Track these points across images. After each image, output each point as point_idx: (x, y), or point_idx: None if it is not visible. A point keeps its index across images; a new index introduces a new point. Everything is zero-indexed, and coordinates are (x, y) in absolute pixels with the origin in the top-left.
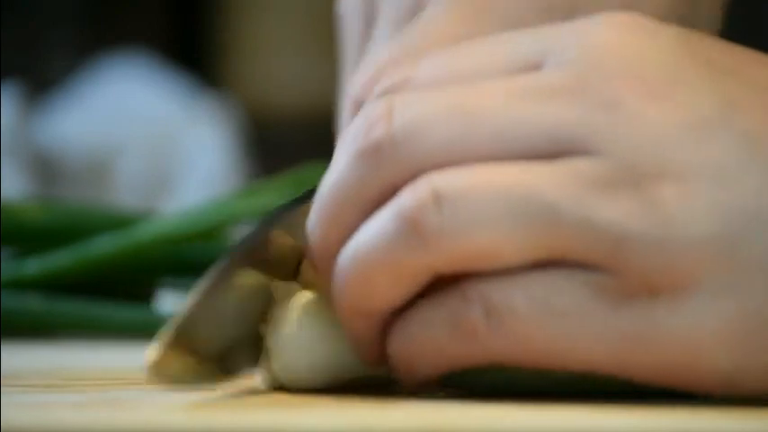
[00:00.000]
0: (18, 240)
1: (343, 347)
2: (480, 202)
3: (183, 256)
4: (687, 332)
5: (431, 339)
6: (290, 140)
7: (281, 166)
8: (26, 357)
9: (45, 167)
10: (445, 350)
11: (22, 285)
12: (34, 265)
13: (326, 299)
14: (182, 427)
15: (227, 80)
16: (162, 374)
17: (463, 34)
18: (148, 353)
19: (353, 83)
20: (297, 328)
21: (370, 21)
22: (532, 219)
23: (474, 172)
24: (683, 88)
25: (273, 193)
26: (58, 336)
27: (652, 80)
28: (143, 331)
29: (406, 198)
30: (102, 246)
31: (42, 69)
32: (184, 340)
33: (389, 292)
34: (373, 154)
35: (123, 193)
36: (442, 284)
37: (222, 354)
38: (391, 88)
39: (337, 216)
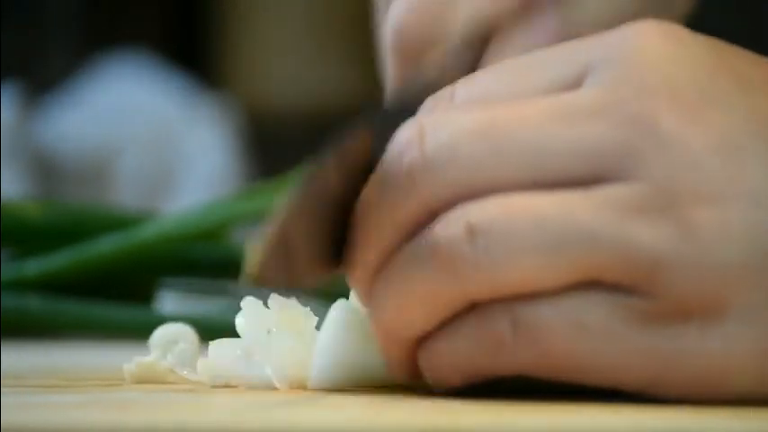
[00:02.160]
0: (18, 240)
1: (374, 358)
2: (515, 233)
3: (183, 257)
4: (717, 355)
5: (459, 351)
6: (289, 140)
7: (280, 166)
8: (26, 357)
9: (45, 167)
10: (472, 362)
11: (22, 285)
12: (34, 266)
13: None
14: (181, 428)
15: (227, 80)
16: (264, 278)
17: None
18: (251, 258)
19: (392, 13)
20: (332, 337)
21: None
22: (569, 247)
23: (508, 202)
24: (717, 108)
25: (274, 194)
26: (58, 336)
27: (687, 99)
28: (143, 331)
29: (440, 232)
30: (103, 246)
31: (42, 69)
32: (283, 244)
33: (424, 322)
34: (406, 178)
35: (123, 193)
36: (477, 306)
37: (317, 256)
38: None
39: (374, 240)
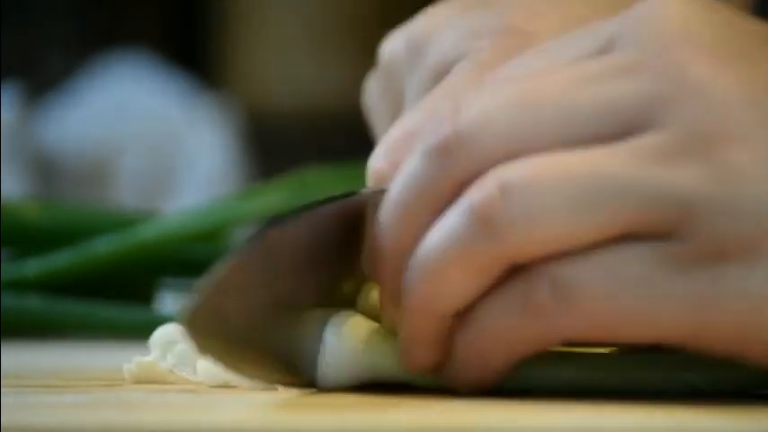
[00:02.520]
0: (18, 240)
1: (382, 357)
2: (546, 188)
3: (183, 257)
4: (758, 296)
5: (501, 327)
6: (289, 140)
7: (280, 166)
8: (26, 357)
9: (45, 167)
10: (516, 335)
11: (22, 285)
12: (34, 266)
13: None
14: (181, 427)
15: (227, 80)
16: (195, 329)
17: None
18: (183, 306)
19: (381, 146)
20: (339, 337)
21: (396, 106)
22: (601, 198)
23: (539, 161)
24: (742, 61)
25: (274, 195)
26: (58, 336)
27: (713, 52)
28: (143, 331)
29: (474, 194)
30: (102, 246)
31: (42, 69)
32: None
33: (463, 288)
34: (441, 152)
35: (123, 193)
36: (512, 274)
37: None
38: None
39: (408, 216)
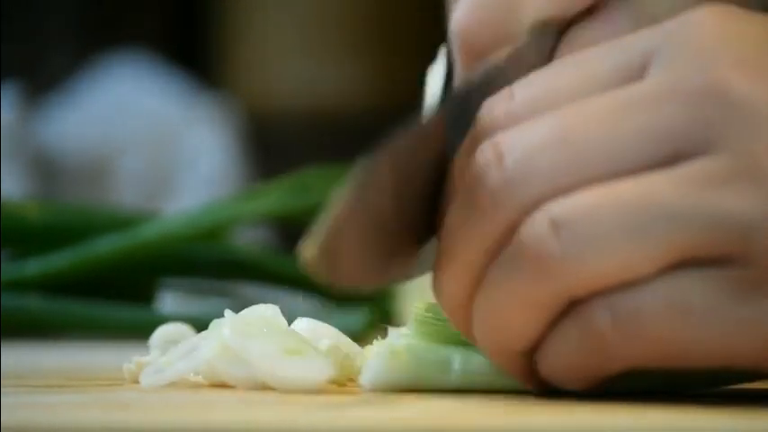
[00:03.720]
0: (18, 240)
1: (433, 363)
2: (599, 221)
3: (184, 257)
4: None
5: (567, 355)
6: (289, 140)
7: (280, 166)
8: (26, 357)
9: (45, 167)
10: (582, 363)
11: (22, 286)
12: (34, 266)
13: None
14: (181, 427)
15: (227, 80)
16: (318, 273)
17: None
18: (305, 252)
19: (458, 11)
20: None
21: None
22: (656, 227)
23: (588, 193)
24: None
25: (274, 195)
26: (57, 336)
27: (753, 65)
28: (143, 331)
29: (524, 234)
30: (103, 246)
31: (42, 69)
32: (333, 243)
33: (529, 330)
34: (490, 200)
35: (123, 193)
36: (576, 304)
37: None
38: (492, 124)
39: (463, 268)
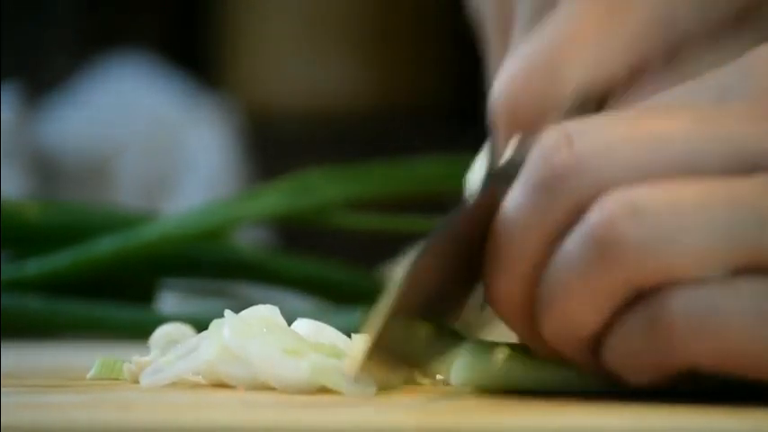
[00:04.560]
0: (18, 240)
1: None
2: (681, 211)
3: (184, 257)
4: None
5: (632, 347)
6: (289, 140)
7: (280, 166)
8: (26, 357)
9: (45, 167)
10: (647, 356)
11: (22, 286)
12: (34, 266)
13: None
14: (181, 427)
15: (227, 80)
16: (367, 378)
17: (598, 26)
18: (352, 362)
19: (499, 83)
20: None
21: (507, 22)
22: (743, 227)
23: (671, 185)
24: None
25: (274, 196)
26: (58, 336)
27: None
28: (143, 331)
29: (596, 216)
30: (103, 246)
31: (42, 69)
32: (383, 342)
33: (594, 318)
34: (558, 179)
35: (123, 193)
36: (644, 295)
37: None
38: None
39: (524, 251)
